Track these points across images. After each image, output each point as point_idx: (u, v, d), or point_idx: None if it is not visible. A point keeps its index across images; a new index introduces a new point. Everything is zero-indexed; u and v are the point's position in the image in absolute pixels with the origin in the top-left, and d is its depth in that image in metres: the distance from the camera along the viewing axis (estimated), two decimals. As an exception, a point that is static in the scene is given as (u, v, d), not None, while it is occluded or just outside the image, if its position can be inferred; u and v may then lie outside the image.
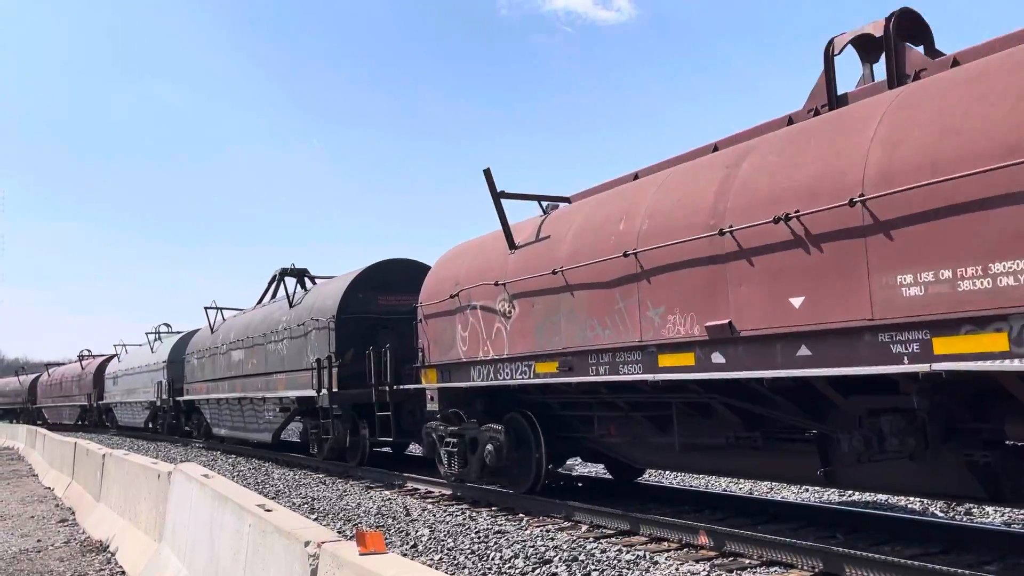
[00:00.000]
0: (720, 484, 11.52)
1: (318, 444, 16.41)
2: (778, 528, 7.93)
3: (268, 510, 4.89)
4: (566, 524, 9.05)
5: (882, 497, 9.84)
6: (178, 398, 27.01)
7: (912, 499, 9.65)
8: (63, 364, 53.32)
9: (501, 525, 9.12)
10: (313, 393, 15.43)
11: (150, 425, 31.02)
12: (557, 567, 7.00)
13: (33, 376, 51.87)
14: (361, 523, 9.69)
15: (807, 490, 10.80)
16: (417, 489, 12.68)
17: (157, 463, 8.78)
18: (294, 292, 18.48)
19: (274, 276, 19.90)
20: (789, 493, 10.82)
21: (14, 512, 12.33)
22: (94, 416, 38.80)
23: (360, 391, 14.56)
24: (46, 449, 18.84)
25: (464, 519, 9.63)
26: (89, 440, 17.13)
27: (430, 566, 7.01)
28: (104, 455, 11.17)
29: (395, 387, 13.72)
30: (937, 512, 9.13)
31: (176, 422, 28.33)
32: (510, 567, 7.12)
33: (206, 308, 23.99)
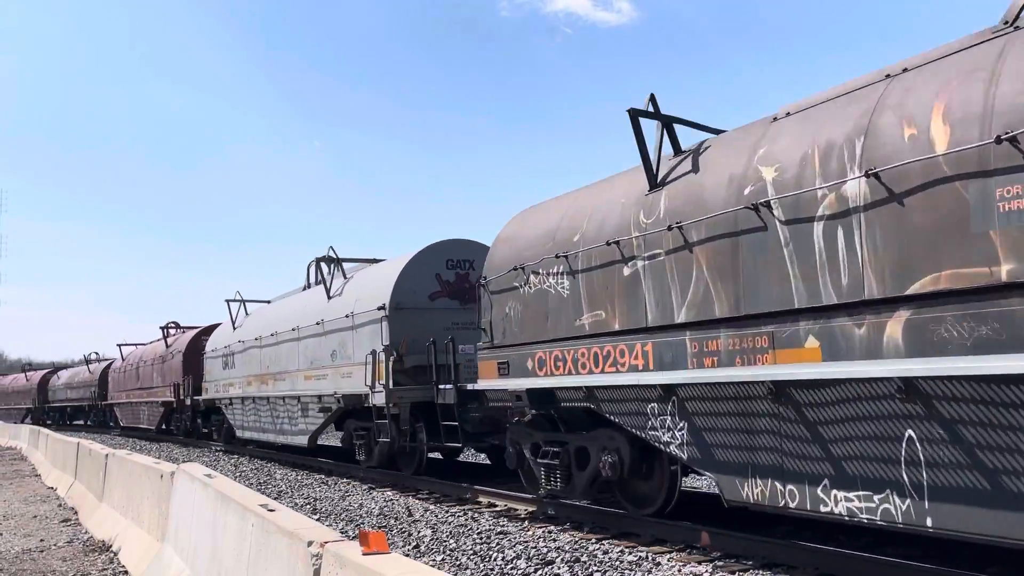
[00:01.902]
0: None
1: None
2: (779, 530, 7.93)
3: (271, 510, 4.90)
4: (568, 525, 9.06)
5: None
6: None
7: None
8: (132, 348, 40.69)
9: (503, 526, 9.13)
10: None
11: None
12: (559, 568, 7.00)
13: (104, 363, 40.55)
14: (364, 523, 9.70)
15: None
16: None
17: (160, 463, 8.80)
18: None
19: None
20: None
21: (17, 512, 12.36)
22: (184, 422, 27.21)
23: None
24: (49, 449, 18.87)
25: (466, 520, 9.63)
26: (92, 440, 17.16)
27: (433, 567, 7.02)
28: (107, 455, 11.19)
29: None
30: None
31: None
32: (512, 568, 7.13)
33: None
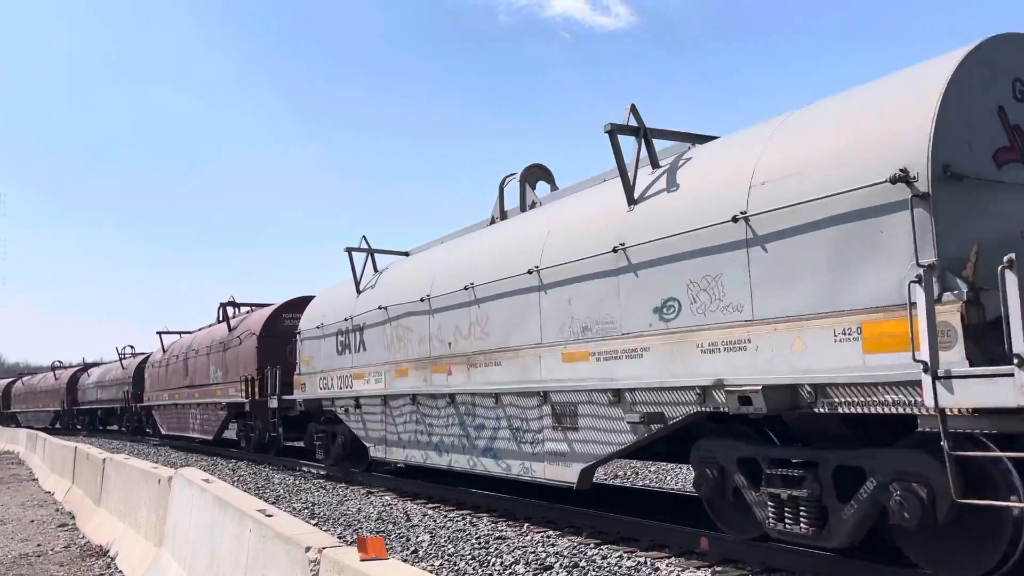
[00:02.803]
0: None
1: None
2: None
3: (269, 515, 4.88)
4: (567, 529, 9.04)
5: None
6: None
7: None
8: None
9: (502, 531, 9.11)
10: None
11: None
12: (558, 573, 6.98)
13: (140, 357, 33.72)
14: (362, 528, 9.68)
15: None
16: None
17: (157, 468, 8.78)
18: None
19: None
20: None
21: (14, 516, 12.32)
22: (263, 433, 19.30)
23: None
24: (46, 453, 18.82)
25: (465, 524, 9.61)
26: (89, 445, 17.11)
27: (431, 572, 7.00)
28: (104, 459, 11.16)
29: None
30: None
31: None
32: (511, 573, 7.11)
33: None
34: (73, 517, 11.89)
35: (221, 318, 23.54)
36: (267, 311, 20.49)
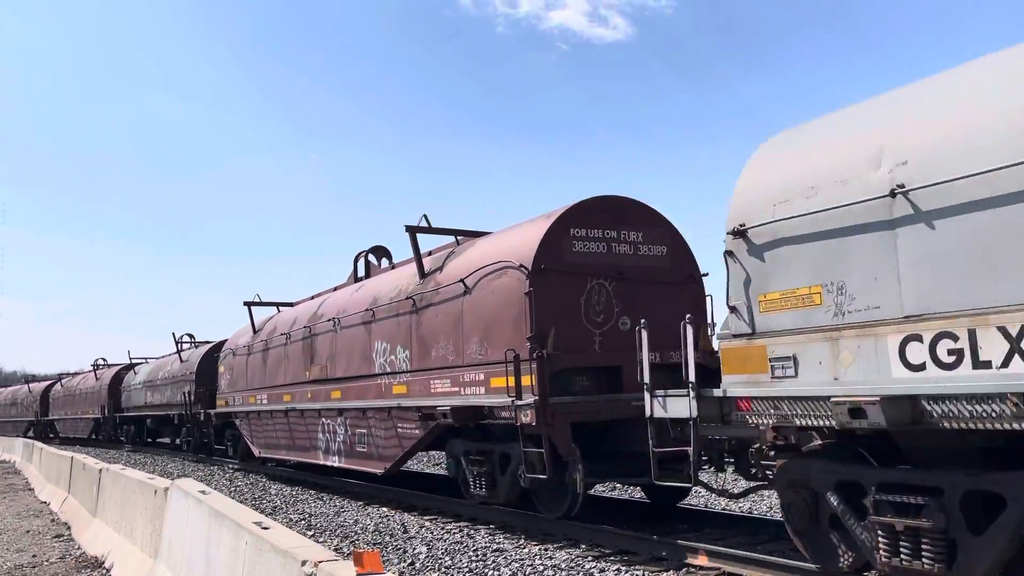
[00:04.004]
0: (719, 503, 11.46)
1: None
2: (778, 547, 7.88)
3: (265, 527, 4.86)
4: (565, 543, 9.00)
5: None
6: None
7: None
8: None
9: (499, 543, 9.07)
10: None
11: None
12: (555, 587, 6.94)
13: (208, 346, 25.49)
14: (359, 540, 9.63)
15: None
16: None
17: (154, 478, 8.74)
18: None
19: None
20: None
21: (9, 527, 12.26)
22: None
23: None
24: (43, 463, 18.76)
25: (462, 536, 9.57)
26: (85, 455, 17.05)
27: (427, 585, 6.95)
28: (100, 470, 11.12)
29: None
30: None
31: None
32: (508, 586, 7.06)
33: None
34: (69, 528, 11.83)
35: (361, 274, 15.94)
36: (534, 225, 10.44)
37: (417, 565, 8.09)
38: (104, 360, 39.43)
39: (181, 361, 26.47)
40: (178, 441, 27.29)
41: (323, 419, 14.99)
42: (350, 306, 14.39)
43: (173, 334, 28.36)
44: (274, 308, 20.07)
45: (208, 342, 26.72)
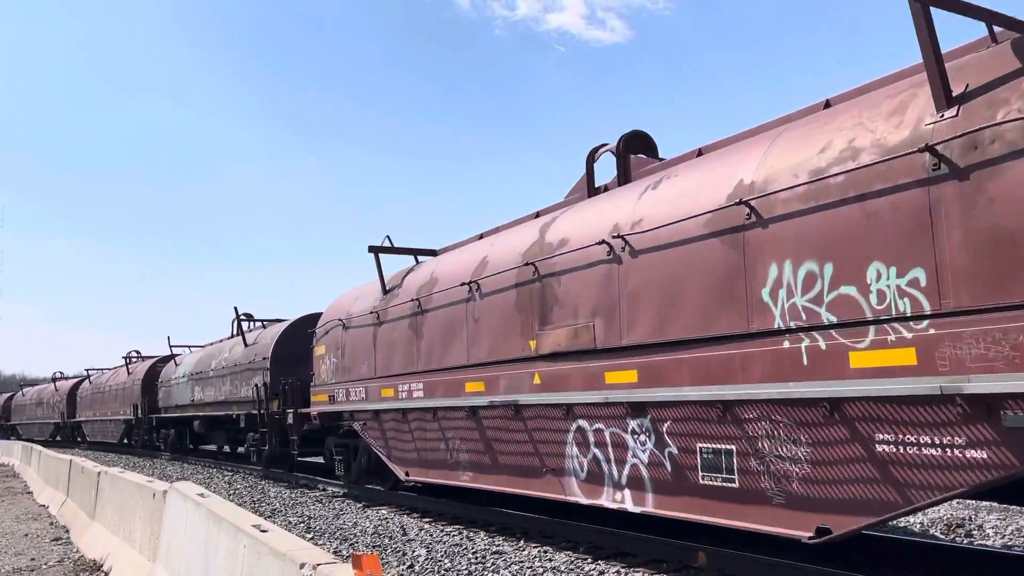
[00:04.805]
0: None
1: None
2: (778, 549, 7.87)
3: (263, 531, 4.85)
4: (564, 544, 8.99)
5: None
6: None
7: (911, 520, 9.59)
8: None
9: (499, 546, 9.05)
10: None
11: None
12: (555, 589, 6.92)
13: (282, 324, 19.57)
14: (358, 543, 9.62)
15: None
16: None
17: (153, 481, 8.72)
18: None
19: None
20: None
21: (8, 530, 12.24)
22: None
23: None
24: (41, 466, 18.73)
25: (462, 539, 9.55)
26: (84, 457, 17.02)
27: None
28: (99, 473, 11.10)
29: None
30: (937, 534, 9.08)
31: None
32: (507, 589, 7.05)
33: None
34: (67, 531, 11.81)
35: (603, 183, 10.03)
36: None
37: (416, 568, 8.08)
38: (138, 353, 34.57)
39: (246, 344, 19.97)
40: (240, 450, 21.37)
41: (578, 421, 8.46)
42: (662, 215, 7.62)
43: (235, 308, 21.58)
44: (408, 258, 13.55)
45: (282, 320, 20.21)
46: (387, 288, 12.98)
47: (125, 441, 31.61)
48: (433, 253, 13.18)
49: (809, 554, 7.48)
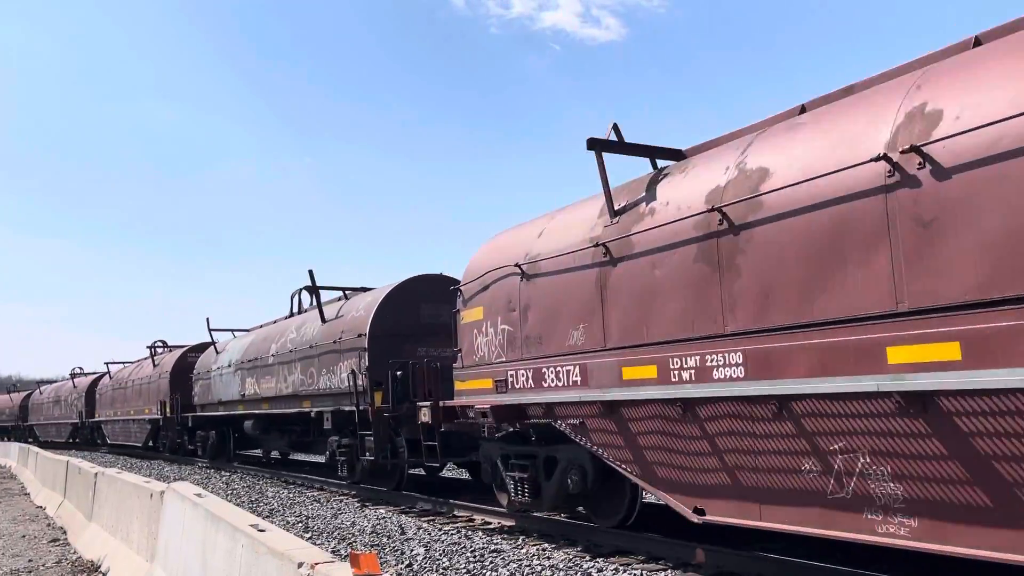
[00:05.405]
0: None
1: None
2: (776, 547, 7.87)
3: (261, 530, 4.84)
4: (563, 542, 8.99)
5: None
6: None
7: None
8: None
9: (497, 544, 9.05)
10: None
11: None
12: (554, 587, 6.92)
13: (388, 287, 14.46)
14: (356, 542, 9.61)
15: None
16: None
17: (150, 482, 8.71)
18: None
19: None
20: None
21: (5, 531, 12.22)
22: None
23: None
24: (38, 467, 18.69)
25: (460, 538, 9.55)
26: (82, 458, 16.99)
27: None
28: (96, 473, 11.08)
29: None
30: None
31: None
32: (506, 587, 7.04)
33: None
34: (65, 532, 11.79)
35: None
36: None
37: (415, 567, 8.08)
38: (164, 343, 29.72)
39: (324, 320, 15.68)
40: (320, 458, 17.32)
41: None
42: None
43: (311, 272, 16.38)
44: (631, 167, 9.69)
45: (368, 287, 16.28)
46: (618, 208, 8.24)
47: (150, 444, 27.38)
48: (678, 153, 8.69)
49: (809, 551, 7.49)
